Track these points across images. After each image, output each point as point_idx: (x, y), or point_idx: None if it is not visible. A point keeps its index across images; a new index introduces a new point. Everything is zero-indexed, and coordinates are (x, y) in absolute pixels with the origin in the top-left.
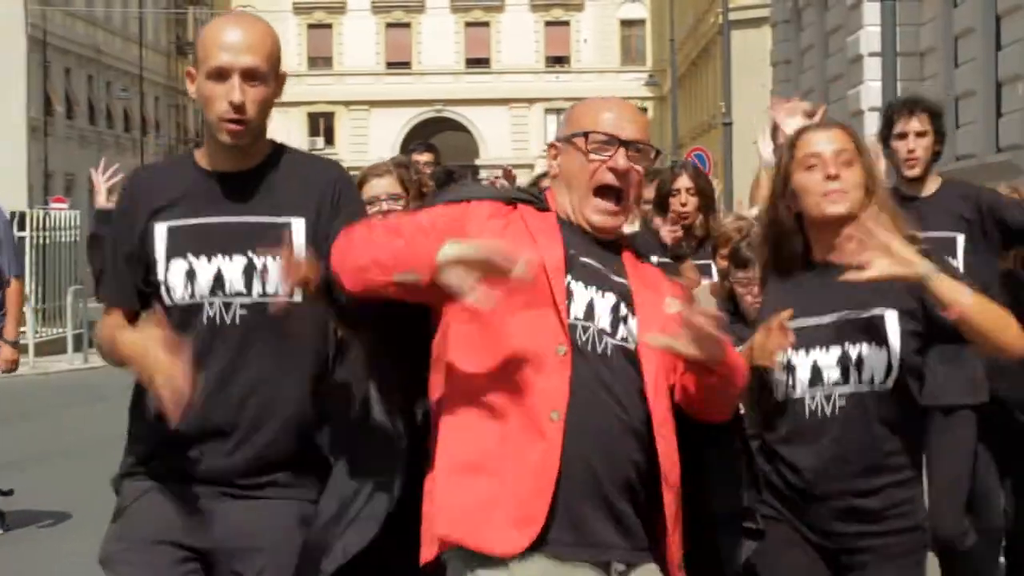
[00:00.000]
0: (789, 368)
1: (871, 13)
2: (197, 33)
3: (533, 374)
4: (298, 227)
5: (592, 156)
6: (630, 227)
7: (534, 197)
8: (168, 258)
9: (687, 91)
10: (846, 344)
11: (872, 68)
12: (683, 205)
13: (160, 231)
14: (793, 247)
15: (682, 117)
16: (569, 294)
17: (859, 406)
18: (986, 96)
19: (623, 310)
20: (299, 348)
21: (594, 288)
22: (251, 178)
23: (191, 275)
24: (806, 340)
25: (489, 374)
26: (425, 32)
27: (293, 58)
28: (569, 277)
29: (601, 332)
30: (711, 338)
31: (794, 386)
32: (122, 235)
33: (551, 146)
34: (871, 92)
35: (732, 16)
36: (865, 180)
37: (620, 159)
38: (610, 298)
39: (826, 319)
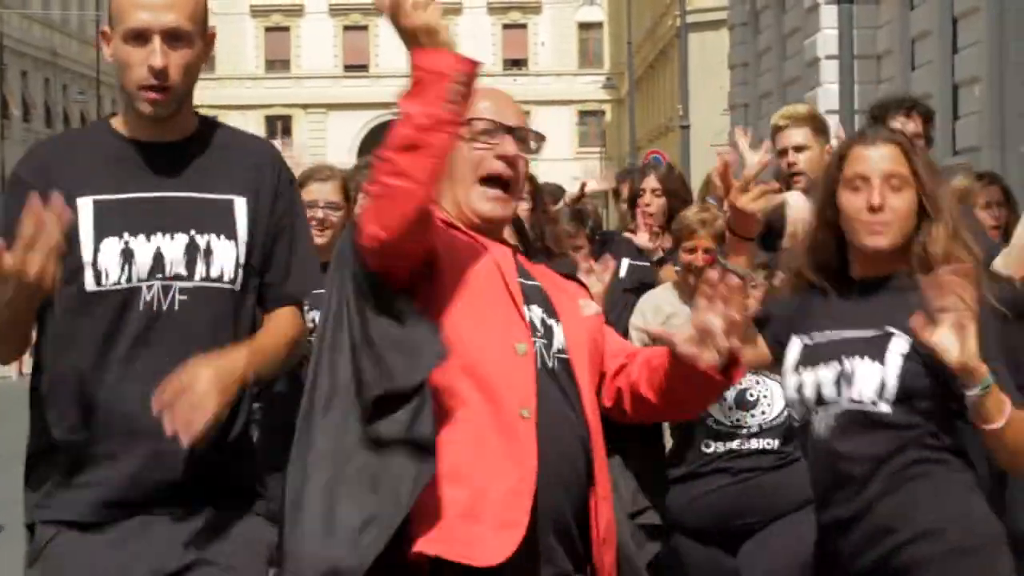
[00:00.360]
0: (799, 389)
1: (828, 16)
2: None
3: (498, 374)
4: (240, 206)
5: (477, 144)
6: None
7: None
8: (98, 237)
9: (645, 94)
10: (843, 358)
11: (829, 71)
12: (647, 205)
13: (84, 206)
14: (828, 262)
15: (640, 120)
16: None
17: (843, 426)
18: (943, 99)
19: (548, 319)
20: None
21: (523, 303)
22: (183, 151)
23: (128, 255)
24: (815, 357)
25: (453, 378)
26: (383, 35)
27: (251, 61)
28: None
29: (546, 346)
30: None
31: (805, 407)
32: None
33: None
34: (828, 95)
35: (689, 19)
36: (919, 206)
37: (508, 146)
38: (537, 310)
39: (837, 335)
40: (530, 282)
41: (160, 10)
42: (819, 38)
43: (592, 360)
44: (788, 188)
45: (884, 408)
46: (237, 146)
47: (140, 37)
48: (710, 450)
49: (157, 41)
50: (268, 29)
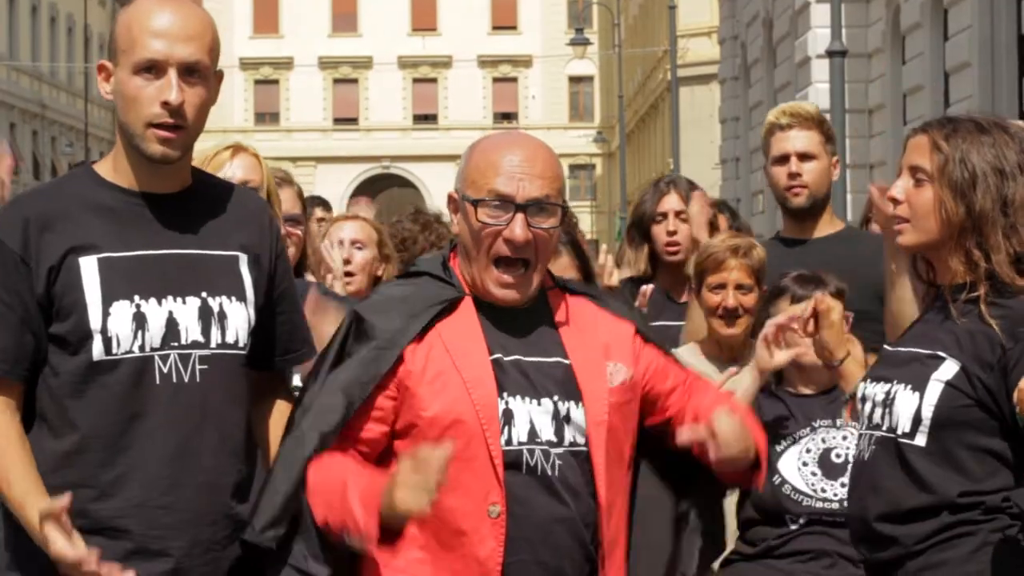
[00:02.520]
0: (862, 400)
1: (819, 70)
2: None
3: (464, 537)
4: (244, 264)
5: (486, 227)
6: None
7: (438, 277)
8: (106, 299)
9: (635, 148)
10: (895, 381)
11: None
12: (671, 234)
13: (88, 266)
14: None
15: (630, 174)
16: (506, 420)
17: (881, 453)
18: (934, 88)
19: (563, 408)
20: (242, 415)
21: (530, 398)
22: (183, 203)
23: (140, 320)
24: (879, 370)
25: (421, 533)
26: (372, 88)
27: (240, 114)
28: (503, 402)
29: (546, 448)
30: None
31: (860, 422)
32: (14, 282)
33: (450, 198)
34: None
35: (680, 73)
36: (948, 209)
37: (517, 228)
38: (547, 404)
39: (902, 348)
40: (550, 359)
41: (178, 40)
42: (810, 92)
43: (614, 439)
44: (785, 205)
45: (917, 443)
46: (234, 200)
47: (153, 69)
48: (792, 527)
49: (173, 74)
50: (257, 82)
